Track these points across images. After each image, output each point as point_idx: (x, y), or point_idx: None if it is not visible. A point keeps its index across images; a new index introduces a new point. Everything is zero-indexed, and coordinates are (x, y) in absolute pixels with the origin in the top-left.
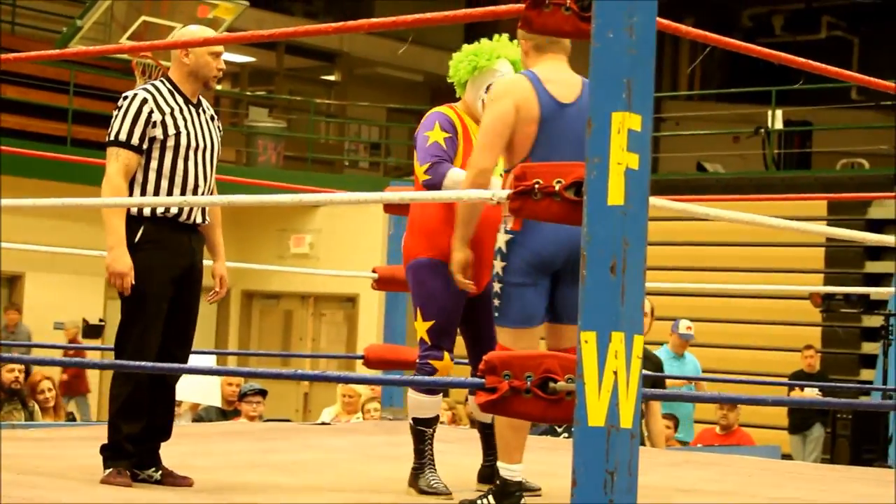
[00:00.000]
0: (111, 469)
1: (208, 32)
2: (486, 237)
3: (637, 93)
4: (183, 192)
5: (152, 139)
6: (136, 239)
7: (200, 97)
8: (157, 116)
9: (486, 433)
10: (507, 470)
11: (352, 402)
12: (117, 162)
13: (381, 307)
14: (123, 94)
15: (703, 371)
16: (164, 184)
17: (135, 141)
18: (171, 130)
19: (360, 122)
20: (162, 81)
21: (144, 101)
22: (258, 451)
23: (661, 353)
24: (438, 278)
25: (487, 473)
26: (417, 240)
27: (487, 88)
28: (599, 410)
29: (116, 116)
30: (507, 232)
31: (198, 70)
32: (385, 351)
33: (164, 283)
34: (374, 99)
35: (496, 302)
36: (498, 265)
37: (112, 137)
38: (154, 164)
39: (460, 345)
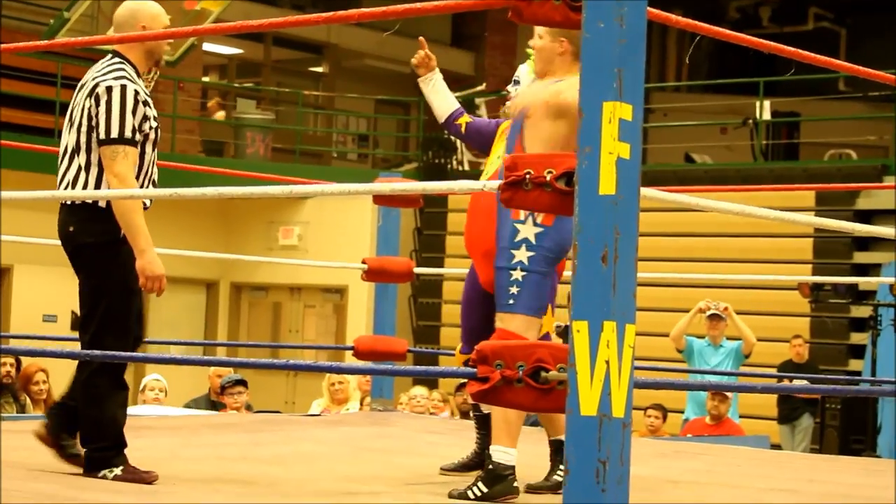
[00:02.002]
0: (123, 466)
1: (161, 8)
2: (482, 227)
3: (628, 83)
4: (151, 183)
5: (143, 133)
6: (122, 233)
7: None
8: (150, 112)
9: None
10: (502, 453)
11: (340, 392)
12: (126, 160)
13: (370, 298)
14: (107, 86)
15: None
16: (142, 177)
17: (138, 137)
18: (153, 123)
19: (348, 114)
20: (122, 63)
21: (137, 93)
22: (247, 444)
23: (698, 342)
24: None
25: (475, 463)
26: None
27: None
28: (591, 400)
29: (112, 111)
30: (536, 224)
31: (155, 48)
32: (375, 342)
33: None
34: (361, 91)
35: (513, 290)
36: (522, 254)
37: (116, 135)
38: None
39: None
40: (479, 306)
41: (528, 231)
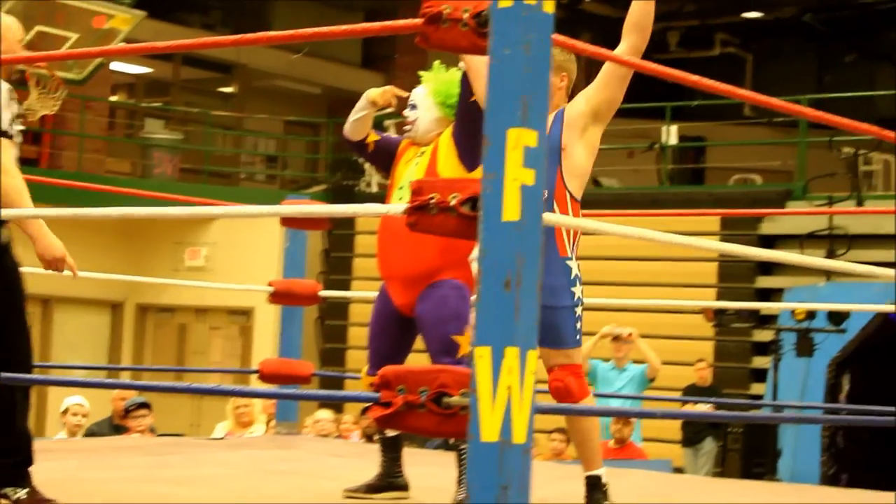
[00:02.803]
0: (29, 489)
1: (14, 20)
2: (401, 252)
3: (533, 109)
4: None
5: (16, 131)
6: (9, 240)
7: None
8: (21, 110)
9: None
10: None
11: (245, 415)
12: (8, 152)
13: (277, 321)
14: None
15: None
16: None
17: (12, 132)
18: (20, 126)
19: (257, 135)
20: None
21: (11, 90)
22: (152, 466)
23: (602, 365)
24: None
25: (379, 486)
26: None
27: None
28: (493, 425)
29: None
30: (569, 258)
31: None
32: (280, 365)
33: None
34: (271, 111)
35: (578, 325)
36: (578, 290)
37: None
38: None
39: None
40: (389, 329)
41: (574, 266)
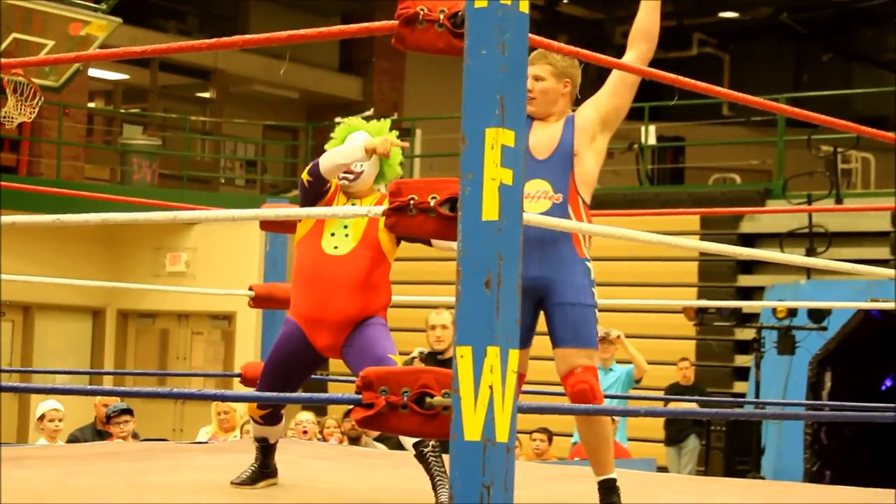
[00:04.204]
0: None
1: None
2: (341, 296)
3: (510, 109)
4: None
5: None
6: None
7: None
8: None
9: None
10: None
11: (228, 420)
12: None
13: (258, 325)
14: None
15: None
16: None
17: None
18: None
19: (236, 140)
20: None
21: None
22: (134, 472)
23: None
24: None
25: None
26: None
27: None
28: (475, 425)
29: None
30: (587, 260)
31: None
32: (261, 369)
33: None
34: (249, 116)
35: (597, 326)
36: (595, 290)
37: None
38: None
39: None
40: (295, 365)
41: (591, 267)
